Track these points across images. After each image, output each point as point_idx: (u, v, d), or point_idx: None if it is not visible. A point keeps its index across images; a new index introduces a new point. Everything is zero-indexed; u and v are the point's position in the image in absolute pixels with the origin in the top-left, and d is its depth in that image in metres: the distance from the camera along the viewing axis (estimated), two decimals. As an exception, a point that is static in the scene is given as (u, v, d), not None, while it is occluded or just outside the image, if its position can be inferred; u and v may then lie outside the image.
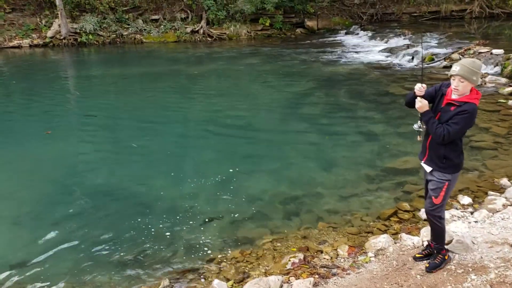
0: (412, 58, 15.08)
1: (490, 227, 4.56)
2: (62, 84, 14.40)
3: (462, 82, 3.56)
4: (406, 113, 9.55)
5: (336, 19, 24.43)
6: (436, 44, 16.45)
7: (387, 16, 25.10)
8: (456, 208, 5.39)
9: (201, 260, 4.99)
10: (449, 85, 3.77)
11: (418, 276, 3.92)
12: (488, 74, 11.90)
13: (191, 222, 5.77)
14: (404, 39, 18.19)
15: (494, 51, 13.14)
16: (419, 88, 3.74)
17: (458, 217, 5.01)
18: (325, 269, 4.53)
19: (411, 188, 6.31)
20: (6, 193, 6.67)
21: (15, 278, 4.75)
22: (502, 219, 4.72)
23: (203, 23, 22.75)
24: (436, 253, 4.00)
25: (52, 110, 10.86)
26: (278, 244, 5.19)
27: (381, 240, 4.73)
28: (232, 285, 4.44)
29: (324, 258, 4.76)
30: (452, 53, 14.53)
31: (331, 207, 6.04)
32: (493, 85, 11.14)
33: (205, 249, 5.21)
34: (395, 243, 4.71)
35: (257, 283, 4.16)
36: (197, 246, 5.27)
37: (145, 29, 22.25)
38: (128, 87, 13.48)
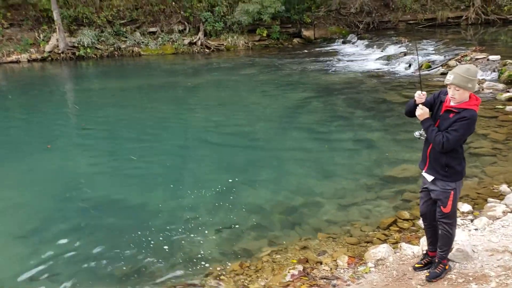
0: (409, 66, 15.12)
1: (490, 234, 4.51)
2: (61, 98, 14.43)
3: (458, 90, 3.54)
4: (404, 120, 9.56)
5: (332, 28, 24.56)
6: (433, 51, 16.51)
7: (383, 24, 25.24)
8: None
9: (199, 274, 4.93)
10: (447, 92, 3.75)
11: (418, 286, 3.87)
12: (485, 80, 11.92)
13: (190, 235, 5.72)
14: (400, 47, 18.27)
15: (491, 57, 13.19)
16: (419, 95, 3.72)
17: (458, 225, 4.96)
18: (324, 280, 4.48)
19: (410, 196, 6.27)
20: (7, 208, 6.65)
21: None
22: (502, 226, 4.68)
23: (200, 34, 22.86)
24: (437, 262, 3.95)
25: (51, 124, 10.85)
26: (278, 256, 5.14)
27: (381, 250, 4.68)
28: (231, 299, 4.38)
29: (324, 269, 4.71)
30: (449, 60, 14.57)
31: (331, 217, 6.00)
32: (491, 91, 11.16)
33: (204, 262, 5.15)
34: (395, 252, 4.67)
35: (256, 296, 4.10)
36: (196, 259, 5.21)
37: (143, 42, 22.36)
38: (126, 100, 13.50)
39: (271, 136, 9.38)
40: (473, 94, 3.66)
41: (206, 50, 22.61)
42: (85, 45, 21.20)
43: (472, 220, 5.12)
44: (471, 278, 3.78)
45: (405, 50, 17.21)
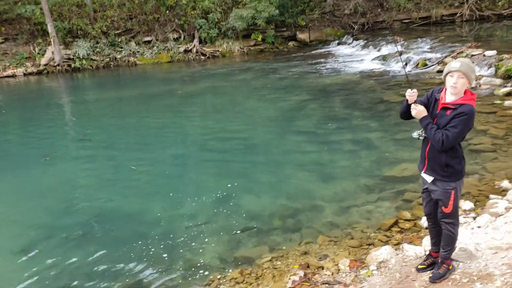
0: (406, 65, 15.07)
1: (494, 232, 4.42)
2: (57, 110, 14.37)
3: (462, 78, 3.46)
4: (402, 120, 9.42)
5: (327, 30, 24.54)
6: (429, 49, 16.46)
7: (378, 24, 25.22)
8: (458, 214, 5.26)
9: (199, 283, 4.86)
10: (441, 90, 3.68)
11: (422, 288, 3.78)
12: (483, 76, 11.85)
13: (190, 243, 5.66)
14: (396, 46, 18.23)
15: (487, 52, 13.13)
16: (410, 93, 3.65)
17: (460, 223, 4.87)
18: (326, 285, 4.39)
19: (411, 196, 6.19)
20: (5, 220, 6.61)
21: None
22: (505, 223, 4.59)
23: (195, 42, 22.85)
24: (440, 263, 3.86)
25: (49, 137, 10.80)
26: (278, 262, 5.05)
27: (383, 252, 4.59)
28: (231, 308, 4.29)
29: (325, 274, 4.62)
30: (445, 57, 14.52)
31: (331, 220, 5.92)
32: (488, 86, 11.09)
33: (204, 270, 5.08)
34: (397, 254, 4.57)
35: (257, 305, 4.01)
36: (196, 267, 5.14)
37: (138, 51, 22.35)
38: (123, 110, 13.45)
39: (269, 141, 9.32)
40: (468, 89, 3.59)
41: (202, 57, 22.59)
42: (81, 57, 21.18)
43: (474, 218, 5.04)
44: (475, 278, 3.69)
45: (401, 49, 17.17)
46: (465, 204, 5.46)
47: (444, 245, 3.79)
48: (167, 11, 23.41)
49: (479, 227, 4.67)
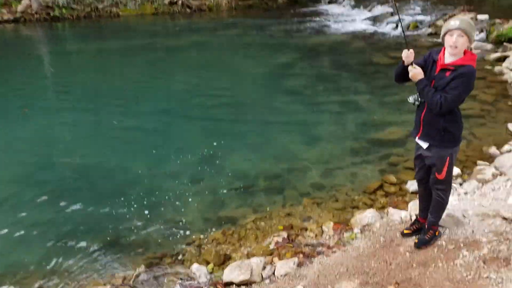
0: (396, 26, 14.73)
1: (481, 198, 4.38)
2: (36, 61, 13.74)
3: (462, 37, 3.25)
4: (391, 83, 9.16)
5: (318, -13, 23.74)
6: (420, 11, 16.08)
7: (370, -17, 24.49)
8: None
9: (180, 243, 4.76)
10: (439, 51, 3.47)
11: (407, 253, 3.73)
12: (474, 40, 11.65)
13: (172, 202, 5.54)
14: (389, 6, 17.77)
15: (479, 16, 12.87)
16: (407, 54, 3.44)
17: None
18: (310, 247, 4.33)
19: (397, 160, 6.12)
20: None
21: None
22: (493, 190, 4.55)
23: (181, -6, 21.93)
24: (426, 228, 3.79)
25: (27, 88, 10.31)
26: (262, 223, 4.97)
27: (367, 215, 4.53)
28: (212, 269, 4.22)
29: (309, 236, 4.57)
30: (437, 19, 14.22)
31: (316, 182, 5.84)
32: (479, 51, 10.91)
33: (185, 230, 4.97)
34: (382, 218, 4.52)
35: (239, 266, 3.94)
36: (177, 227, 5.03)
37: (121, 2, 21.38)
38: (105, 63, 12.94)
39: (255, 100, 9.09)
40: (467, 50, 3.40)
41: (188, 10, 21.73)
42: (60, 5, 20.18)
43: (461, 184, 4.99)
44: (461, 245, 3.65)
45: (392, 10, 16.75)
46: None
47: (432, 211, 3.71)
48: (152, -40, 22.27)
49: (466, 193, 4.62)
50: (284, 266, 3.94)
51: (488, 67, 9.69)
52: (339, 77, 10.22)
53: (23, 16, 19.92)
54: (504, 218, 3.91)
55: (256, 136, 7.33)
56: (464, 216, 4.01)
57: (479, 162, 5.57)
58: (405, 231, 4.02)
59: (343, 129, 7.40)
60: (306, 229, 4.70)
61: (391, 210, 4.52)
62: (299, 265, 3.97)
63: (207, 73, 11.15)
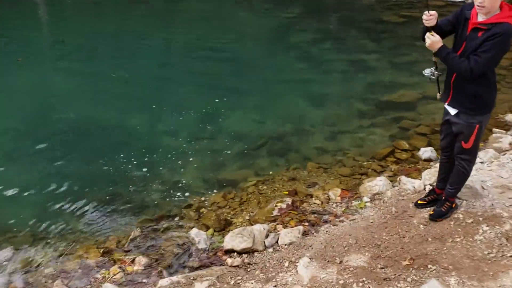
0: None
1: (500, 169, 4.10)
2: (30, 10, 13.07)
3: None
4: (401, 43, 8.87)
5: None
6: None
7: None
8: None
9: (178, 206, 4.53)
10: (472, 6, 3.06)
11: (421, 225, 3.49)
12: None
13: (170, 161, 5.29)
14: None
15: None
16: (427, 17, 3.03)
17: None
18: (315, 215, 4.09)
19: (408, 125, 5.81)
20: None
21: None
22: (512, 161, 4.27)
23: None
24: (443, 200, 3.53)
25: (21, 36, 9.81)
26: (264, 187, 4.72)
27: (378, 183, 4.27)
28: (212, 234, 3.99)
29: (314, 203, 4.32)
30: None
31: (321, 145, 5.57)
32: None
33: (184, 192, 4.74)
34: (393, 186, 4.26)
35: (240, 233, 3.70)
36: (175, 189, 4.80)
37: None
38: (103, 12, 12.32)
39: (259, 57, 8.65)
40: (505, 3, 2.99)
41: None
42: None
43: (476, 152, 4.70)
44: (481, 219, 3.40)
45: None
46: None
47: (452, 182, 3.44)
48: None
49: (482, 162, 4.34)
50: (288, 234, 3.71)
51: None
52: (347, 34, 9.73)
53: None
54: (526, 192, 3.66)
55: (259, 94, 6.99)
56: (483, 188, 3.74)
57: (494, 129, 5.26)
58: (419, 202, 3.76)
59: (350, 90, 7.06)
60: (311, 196, 4.44)
61: (403, 178, 4.25)
62: (304, 234, 3.75)
63: (209, 26, 10.61)
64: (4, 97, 6.94)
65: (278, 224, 4.00)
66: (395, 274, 2.98)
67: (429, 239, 3.30)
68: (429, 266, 2.98)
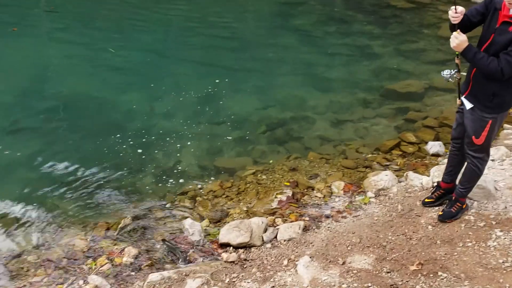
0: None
1: (513, 169, 3.90)
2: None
3: None
4: (409, 29, 8.57)
5: None
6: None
7: None
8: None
9: (172, 192, 4.31)
10: None
11: (429, 226, 3.29)
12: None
13: (166, 144, 5.08)
14: None
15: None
16: (453, 14, 2.76)
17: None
18: (316, 210, 3.89)
19: (415, 116, 5.57)
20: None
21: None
22: (526, 160, 4.06)
23: None
24: (453, 200, 3.32)
25: (15, 5, 9.39)
26: (263, 177, 4.50)
27: (383, 178, 4.05)
28: (207, 226, 3.78)
29: (316, 196, 4.11)
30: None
31: (323, 134, 5.34)
32: None
33: (179, 178, 4.53)
34: (400, 182, 4.05)
35: (237, 226, 3.49)
36: (170, 174, 4.58)
37: None
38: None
39: (261, 38, 8.32)
40: None
41: None
42: None
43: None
44: (493, 222, 3.20)
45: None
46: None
47: (463, 181, 3.23)
48: None
49: (493, 160, 4.12)
50: (288, 230, 3.51)
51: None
52: (353, 18, 9.38)
53: None
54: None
55: (261, 76, 6.74)
56: (496, 189, 3.54)
57: (505, 125, 5.04)
58: (427, 200, 3.56)
59: (354, 76, 6.80)
60: (312, 188, 4.23)
61: (410, 174, 4.03)
62: (305, 229, 3.54)
63: (209, 4, 10.23)
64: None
65: (277, 217, 3.79)
66: (402, 280, 2.78)
67: (438, 242, 3.10)
68: (440, 273, 2.78)
